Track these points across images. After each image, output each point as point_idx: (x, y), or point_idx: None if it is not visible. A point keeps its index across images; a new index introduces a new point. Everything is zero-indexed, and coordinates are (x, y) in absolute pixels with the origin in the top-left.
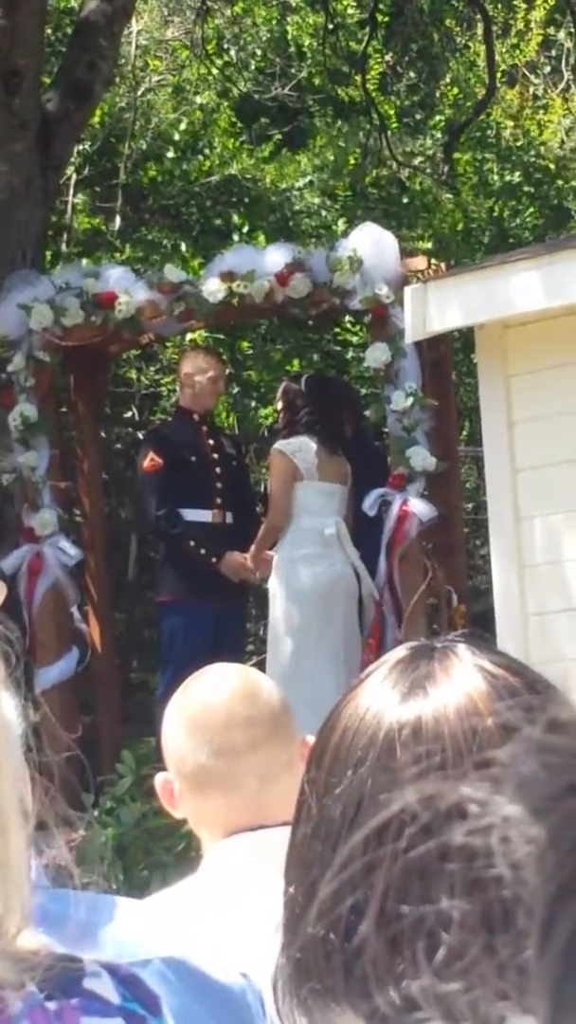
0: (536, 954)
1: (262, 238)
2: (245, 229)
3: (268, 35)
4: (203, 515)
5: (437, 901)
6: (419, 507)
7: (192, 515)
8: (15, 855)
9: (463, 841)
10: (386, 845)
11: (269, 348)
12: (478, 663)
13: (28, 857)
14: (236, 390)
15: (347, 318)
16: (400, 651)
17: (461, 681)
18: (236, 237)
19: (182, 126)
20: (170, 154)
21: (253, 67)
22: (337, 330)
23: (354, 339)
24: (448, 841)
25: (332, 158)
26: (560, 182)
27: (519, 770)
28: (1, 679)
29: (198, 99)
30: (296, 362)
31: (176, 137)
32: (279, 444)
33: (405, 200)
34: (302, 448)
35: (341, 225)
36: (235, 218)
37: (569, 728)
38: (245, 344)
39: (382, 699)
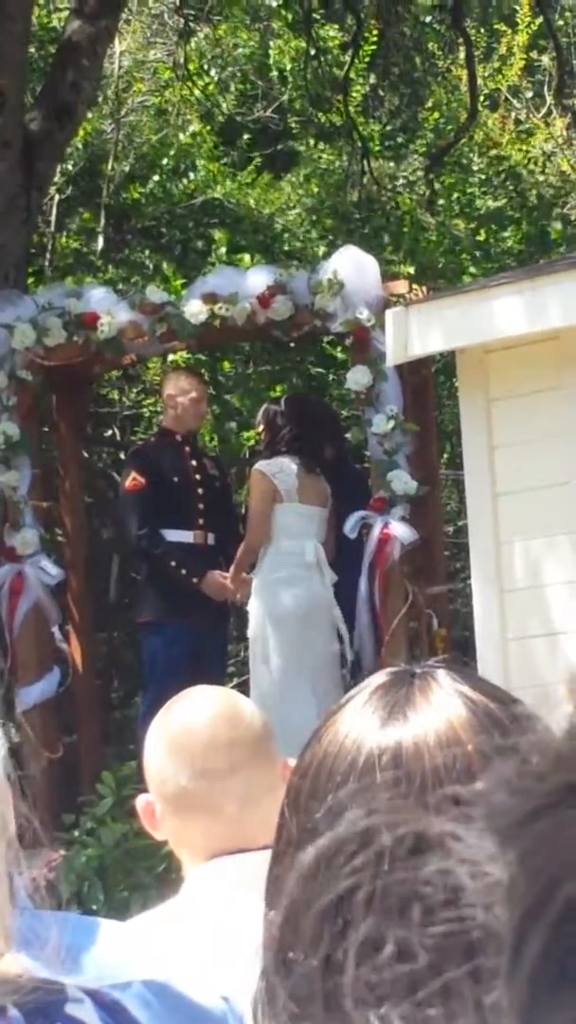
0: (505, 979)
1: (246, 258)
2: (223, 250)
3: (249, 57)
4: (185, 536)
5: (412, 929)
6: (400, 530)
7: (174, 536)
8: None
9: (434, 873)
10: (360, 873)
11: (251, 372)
12: (458, 689)
13: (10, 880)
14: (218, 412)
15: (328, 339)
16: (380, 676)
17: (441, 707)
18: (220, 254)
19: (171, 152)
20: (156, 177)
21: (234, 89)
22: (316, 357)
23: (336, 361)
24: (420, 872)
25: (315, 188)
26: (542, 207)
27: (489, 801)
28: None
29: (181, 136)
30: (279, 387)
31: (163, 161)
32: (259, 464)
33: (387, 222)
34: (282, 469)
35: (323, 248)
36: (216, 235)
37: (532, 750)
38: (227, 365)
39: (362, 724)
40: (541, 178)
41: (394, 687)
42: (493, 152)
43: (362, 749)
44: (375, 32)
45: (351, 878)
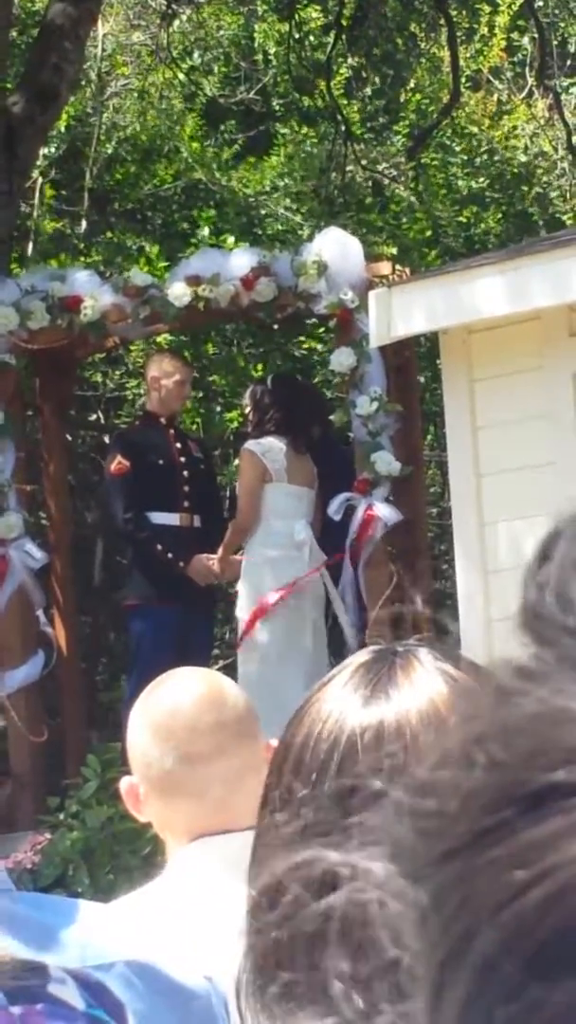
0: (426, 1022)
1: (230, 240)
2: (207, 231)
3: (232, 38)
4: (171, 519)
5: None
6: (384, 511)
7: (159, 519)
8: None
9: (342, 907)
10: (265, 914)
11: (235, 353)
12: (440, 667)
13: None
14: (200, 394)
15: (312, 322)
16: (362, 655)
17: (423, 685)
18: (204, 234)
19: (154, 134)
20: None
21: (217, 71)
22: (302, 338)
23: (319, 345)
24: (327, 908)
25: (297, 166)
26: (525, 188)
27: (393, 837)
28: None
29: (167, 123)
30: (260, 366)
31: (143, 139)
32: (249, 444)
33: (370, 203)
34: (271, 449)
35: (307, 230)
36: (200, 215)
37: (438, 788)
38: (210, 348)
39: (344, 703)
40: (523, 158)
41: (376, 665)
42: (472, 130)
43: (344, 728)
44: (356, 12)
45: (267, 933)
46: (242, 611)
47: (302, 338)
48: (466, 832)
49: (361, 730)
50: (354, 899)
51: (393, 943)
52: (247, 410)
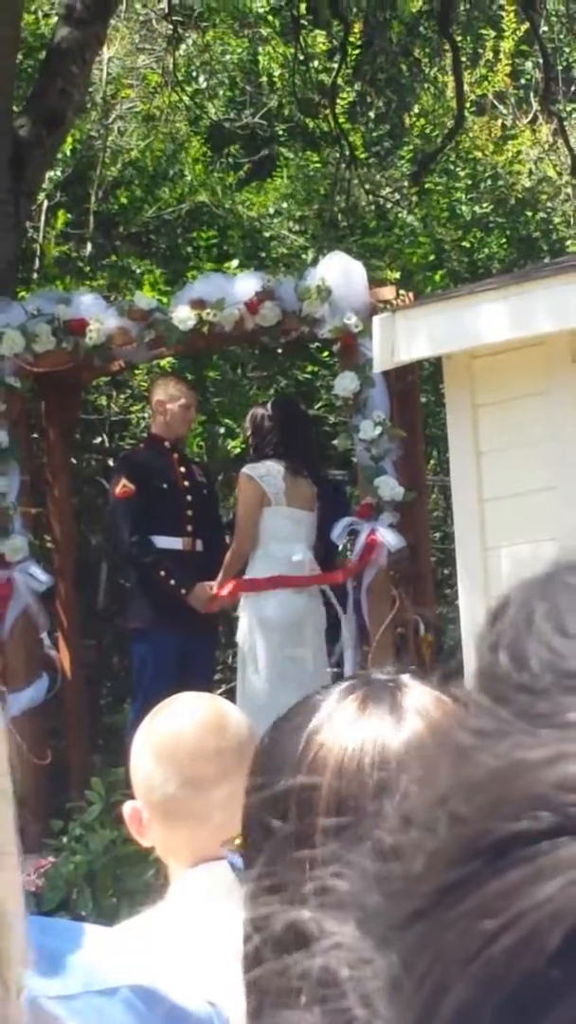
0: None
1: (235, 263)
2: (214, 251)
3: (237, 62)
4: (174, 542)
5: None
6: (388, 537)
7: (163, 542)
8: (12, 896)
9: (308, 966)
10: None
11: (239, 378)
12: (422, 701)
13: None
14: (204, 419)
15: (316, 346)
16: (348, 681)
17: (405, 713)
18: (203, 257)
19: (160, 157)
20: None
21: (222, 95)
22: (306, 363)
23: (323, 369)
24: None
25: (300, 189)
26: (529, 213)
27: (360, 902)
28: None
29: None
30: (263, 390)
31: (148, 163)
32: (246, 468)
33: (374, 227)
34: (269, 472)
35: (311, 253)
36: (201, 236)
37: (402, 850)
38: (212, 373)
39: (331, 720)
40: (527, 183)
41: (363, 690)
42: (476, 155)
43: (323, 740)
44: (362, 37)
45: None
46: (242, 635)
47: (306, 363)
48: (432, 890)
49: (348, 748)
50: (324, 963)
51: (364, 1010)
52: (248, 434)
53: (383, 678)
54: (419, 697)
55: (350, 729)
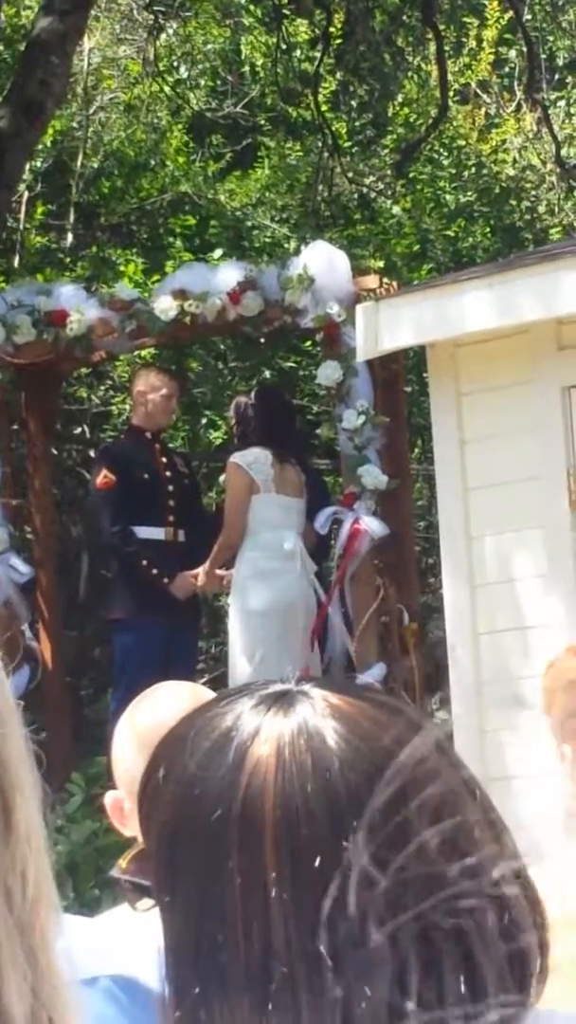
0: None
1: (217, 253)
2: (181, 243)
3: (219, 52)
4: (156, 532)
5: None
6: (371, 524)
7: (145, 532)
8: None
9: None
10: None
11: (220, 369)
12: (331, 703)
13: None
14: (185, 410)
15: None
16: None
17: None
18: (179, 246)
19: (137, 142)
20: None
21: (204, 84)
22: (291, 355)
23: (306, 359)
24: None
25: (283, 179)
26: (513, 202)
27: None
28: (6, 688)
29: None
30: (245, 381)
31: (129, 153)
32: (234, 457)
33: (357, 217)
34: (257, 459)
35: (293, 243)
36: (180, 222)
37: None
38: (193, 364)
39: (242, 715)
40: (512, 171)
41: (272, 695)
42: (460, 144)
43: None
44: (344, 26)
45: None
46: (233, 623)
47: (288, 353)
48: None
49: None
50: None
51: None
52: (232, 423)
53: (287, 687)
54: (333, 702)
55: (282, 741)
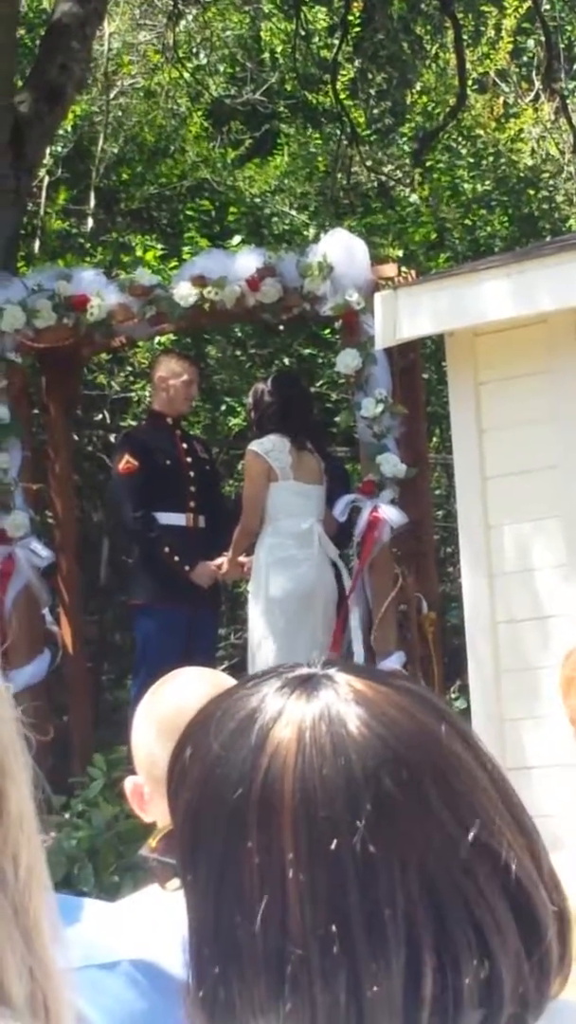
0: None
1: (236, 240)
2: (216, 229)
3: (238, 38)
4: (177, 518)
5: None
6: (390, 513)
7: (166, 518)
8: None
9: None
10: None
11: (238, 357)
12: (355, 687)
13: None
14: (204, 397)
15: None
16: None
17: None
18: (205, 233)
19: (157, 128)
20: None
21: (223, 71)
22: (309, 344)
23: (324, 348)
24: None
25: (302, 166)
26: (531, 191)
27: None
28: None
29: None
30: (264, 370)
31: (149, 139)
32: (253, 445)
33: (376, 206)
34: (275, 447)
35: (312, 230)
36: (194, 207)
37: None
38: (212, 351)
39: (266, 700)
40: (529, 161)
41: (298, 678)
42: (478, 133)
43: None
44: (363, 14)
45: None
46: (253, 610)
47: (307, 341)
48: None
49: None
50: None
51: None
52: (249, 409)
53: (313, 671)
54: (356, 687)
55: (303, 725)
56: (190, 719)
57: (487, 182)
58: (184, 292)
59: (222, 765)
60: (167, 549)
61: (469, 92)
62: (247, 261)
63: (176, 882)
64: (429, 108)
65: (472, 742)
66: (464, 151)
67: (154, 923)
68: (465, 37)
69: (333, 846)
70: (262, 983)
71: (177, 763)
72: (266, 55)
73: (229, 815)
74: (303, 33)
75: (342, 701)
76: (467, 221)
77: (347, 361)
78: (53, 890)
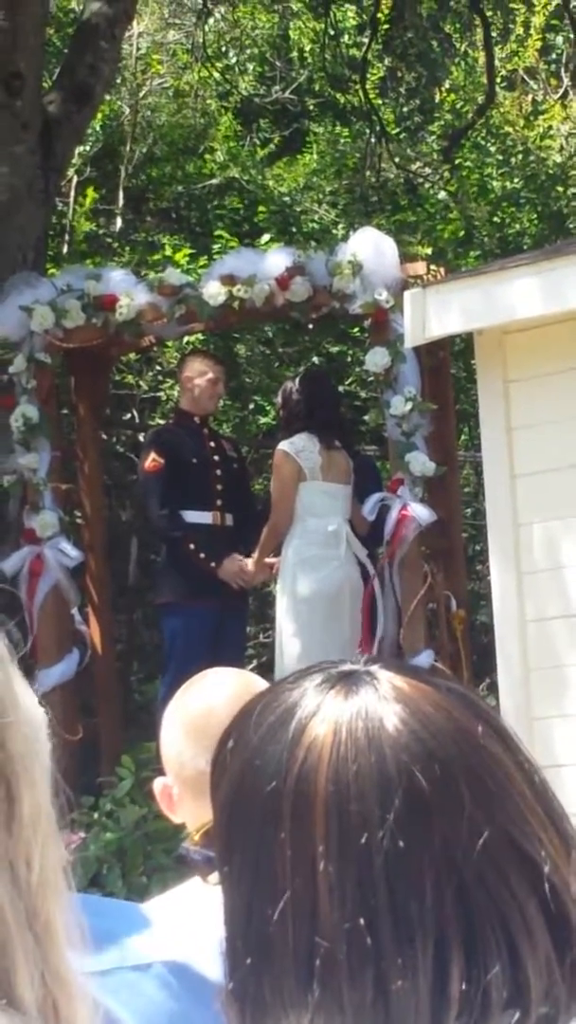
0: None
1: (265, 238)
2: (244, 227)
3: (267, 37)
4: (204, 517)
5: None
6: (419, 511)
7: (193, 517)
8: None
9: None
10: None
11: (268, 355)
12: (396, 685)
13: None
14: (232, 397)
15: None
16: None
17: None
18: (234, 232)
19: (185, 127)
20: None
21: (252, 70)
22: (337, 343)
23: (353, 345)
24: None
25: (331, 164)
26: (560, 188)
27: None
28: (17, 676)
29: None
30: (293, 368)
31: (177, 138)
32: (282, 445)
33: (404, 203)
34: (305, 447)
35: (341, 229)
36: (223, 207)
37: None
38: (241, 350)
39: (305, 696)
40: (558, 158)
41: (339, 674)
42: (507, 131)
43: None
44: (392, 12)
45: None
46: (281, 610)
47: (336, 340)
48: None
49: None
50: None
51: None
52: (278, 408)
53: (355, 667)
54: (397, 684)
55: (340, 720)
56: (235, 714)
57: (516, 179)
58: (213, 291)
59: (260, 757)
60: (192, 546)
61: (498, 89)
62: (276, 260)
63: (217, 876)
64: (458, 106)
65: (512, 744)
66: (493, 148)
67: (187, 923)
68: (494, 34)
69: (363, 840)
70: (291, 976)
71: (219, 755)
72: (295, 54)
73: (264, 806)
74: (332, 32)
75: (381, 698)
76: (496, 218)
77: (376, 359)
78: (79, 892)
